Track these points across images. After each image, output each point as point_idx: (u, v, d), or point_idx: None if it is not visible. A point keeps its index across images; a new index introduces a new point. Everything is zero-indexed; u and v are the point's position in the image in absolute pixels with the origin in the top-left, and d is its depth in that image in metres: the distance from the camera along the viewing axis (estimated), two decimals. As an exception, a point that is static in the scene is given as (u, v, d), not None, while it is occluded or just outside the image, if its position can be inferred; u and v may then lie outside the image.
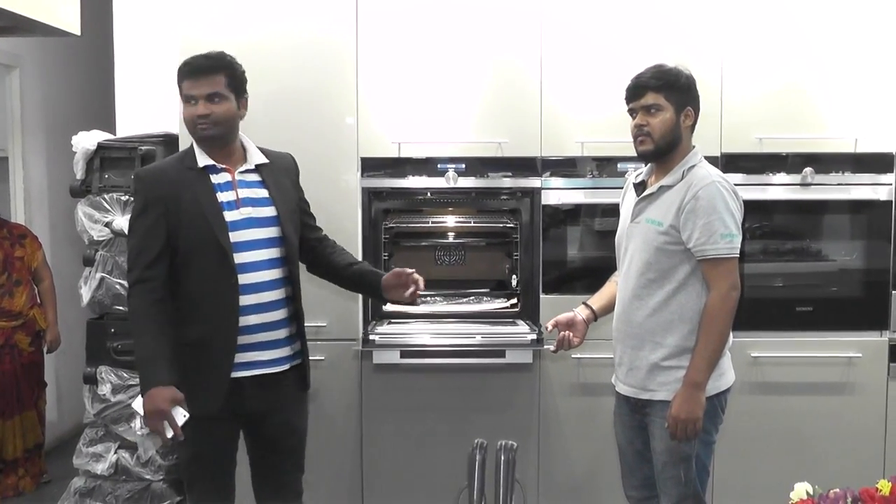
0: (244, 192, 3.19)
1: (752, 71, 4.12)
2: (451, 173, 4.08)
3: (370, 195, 4.13)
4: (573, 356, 4.12)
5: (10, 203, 5.97)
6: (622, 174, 4.02)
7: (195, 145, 3.20)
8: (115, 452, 4.32)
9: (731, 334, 3.24)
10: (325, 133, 4.11)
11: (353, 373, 4.19)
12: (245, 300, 3.12)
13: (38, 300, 5.45)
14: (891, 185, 4.17)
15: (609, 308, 3.43)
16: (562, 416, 4.20)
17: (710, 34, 4.11)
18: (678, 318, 3.17)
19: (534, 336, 3.99)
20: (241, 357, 3.15)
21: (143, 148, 4.24)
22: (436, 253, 4.46)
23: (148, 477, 4.30)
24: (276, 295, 3.20)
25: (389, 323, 4.24)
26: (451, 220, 4.30)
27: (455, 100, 4.12)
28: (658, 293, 3.20)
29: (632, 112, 3.26)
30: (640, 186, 3.33)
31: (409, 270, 3.34)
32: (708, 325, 3.12)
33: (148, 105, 4.69)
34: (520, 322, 4.20)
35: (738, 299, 3.14)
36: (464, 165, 4.10)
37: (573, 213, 4.17)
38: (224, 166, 3.20)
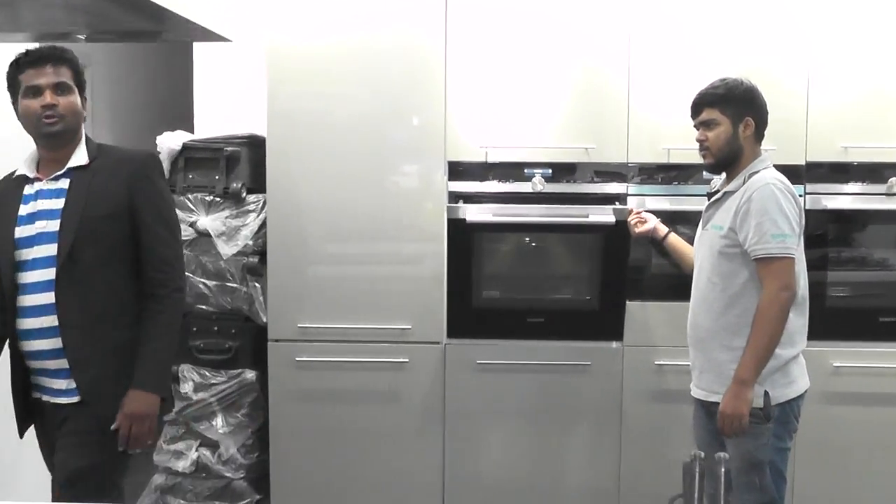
0: (44, 204, 2.95)
1: (839, 79, 4.09)
2: (537, 178, 4.08)
3: (456, 200, 4.13)
4: (655, 362, 4.12)
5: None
6: (707, 181, 4.01)
7: (30, 154, 3.04)
8: (197, 450, 4.34)
9: (804, 339, 3.31)
10: (412, 137, 4.13)
11: (437, 375, 4.19)
12: (27, 323, 2.94)
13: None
14: (978, 195, 4.14)
15: (677, 254, 3.81)
16: (643, 422, 4.19)
17: (796, 41, 4.08)
18: (744, 322, 3.21)
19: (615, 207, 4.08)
20: (38, 380, 3.01)
21: (228, 149, 4.25)
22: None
23: (228, 475, 4.31)
24: (50, 321, 2.92)
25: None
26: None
27: (542, 105, 4.11)
28: (722, 297, 3.28)
29: (696, 127, 3.41)
30: (713, 194, 3.45)
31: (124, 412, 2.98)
32: (757, 324, 3.17)
33: (227, 107, 4.73)
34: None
35: (790, 299, 3.16)
36: (550, 171, 4.10)
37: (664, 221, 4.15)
38: (35, 175, 3.00)
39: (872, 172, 4.12)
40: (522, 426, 4.21)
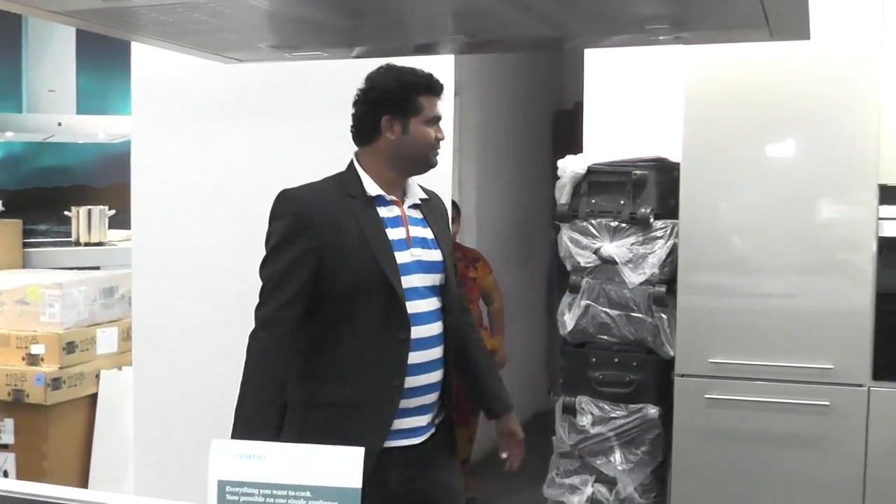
0: (413, 231, 2.78)
1: None
2: (982, 202, 3.69)
3: (888, 227, 3.78)
4: None
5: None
6: None
7: (362, 171, 2.76)
8: (592, 486, 4.19)
9: None
10: (838, 160, 3.79)
11: (859, 422, 3.84)
12: (414, 357, 2.71)
13: (485, 322, 5.51)
14: None
15: None
16: None
17: None
18: None
19: None
20: (398, 423, 2.73)
21: (636, 173, 4.10)
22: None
23: (624, 513, 4.15)
24: (437, 353, 2.77)
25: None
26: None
27: None
28: None
29: None
30: None
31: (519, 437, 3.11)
32: None
33: (616, 130, 4.62)
34: None
35: None
36: None
37: None
38: (393, 198, 2.78)
39: None
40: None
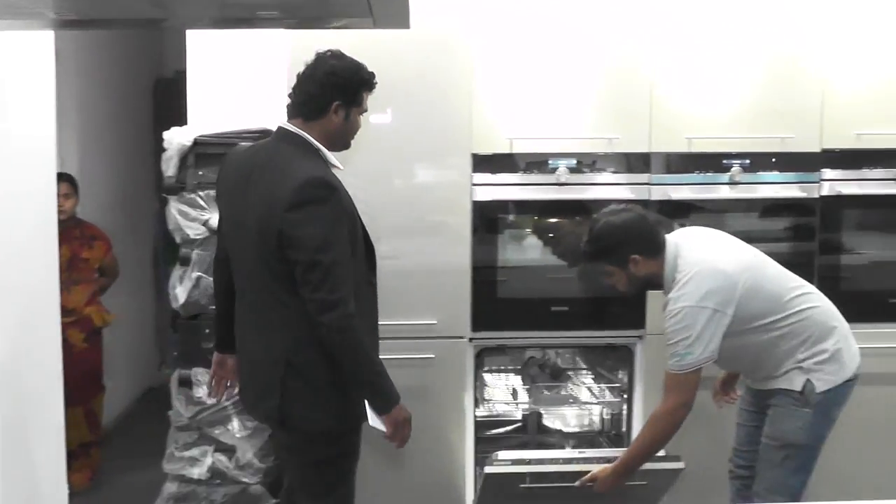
0: None
1: (855, 67, 4.16)
2: (561, 169, 4.05)
3: (481, 192, 4.07)
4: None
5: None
6: (728, 168, 4.08)
7: (323, 148, 3.04)
8: (212, 456, 4.19)
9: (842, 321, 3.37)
10: (438, 129, 4.04)
11: (462, 370, 4.13)
12: None
13: (96, 298, 5.33)
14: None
15: None
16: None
17: (814, 29, 4.12)
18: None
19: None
20: None
21: (243, 144, 4.10)
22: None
23: (245, 480, 4.17)
24: None
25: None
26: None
27: (568, 95, 4.07)
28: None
29: None
30: None
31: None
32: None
33: (221, 100, 4.58)
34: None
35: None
36: (575, 161, 4.07)
37: (685, 211, 4.15)
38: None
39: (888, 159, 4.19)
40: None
